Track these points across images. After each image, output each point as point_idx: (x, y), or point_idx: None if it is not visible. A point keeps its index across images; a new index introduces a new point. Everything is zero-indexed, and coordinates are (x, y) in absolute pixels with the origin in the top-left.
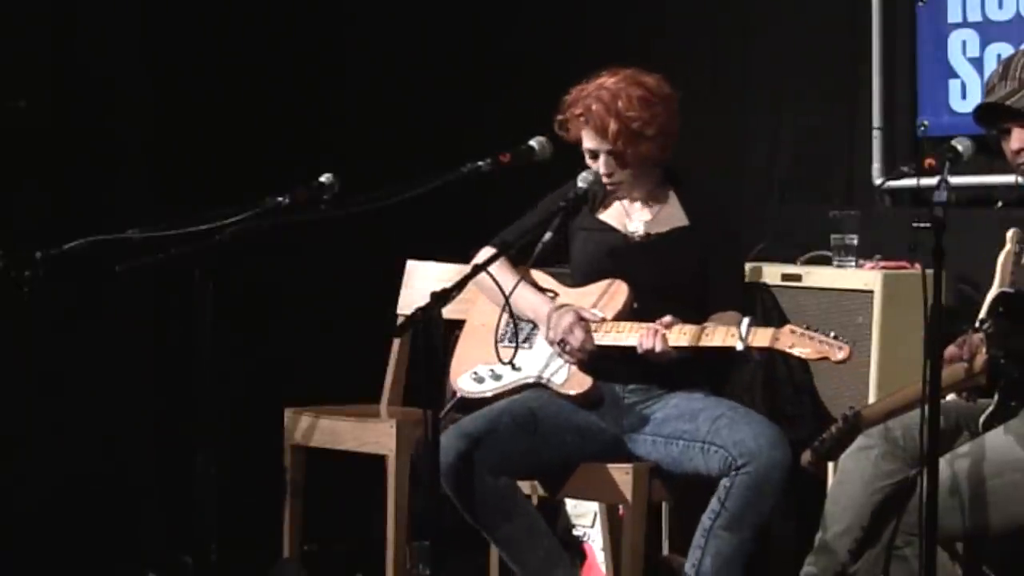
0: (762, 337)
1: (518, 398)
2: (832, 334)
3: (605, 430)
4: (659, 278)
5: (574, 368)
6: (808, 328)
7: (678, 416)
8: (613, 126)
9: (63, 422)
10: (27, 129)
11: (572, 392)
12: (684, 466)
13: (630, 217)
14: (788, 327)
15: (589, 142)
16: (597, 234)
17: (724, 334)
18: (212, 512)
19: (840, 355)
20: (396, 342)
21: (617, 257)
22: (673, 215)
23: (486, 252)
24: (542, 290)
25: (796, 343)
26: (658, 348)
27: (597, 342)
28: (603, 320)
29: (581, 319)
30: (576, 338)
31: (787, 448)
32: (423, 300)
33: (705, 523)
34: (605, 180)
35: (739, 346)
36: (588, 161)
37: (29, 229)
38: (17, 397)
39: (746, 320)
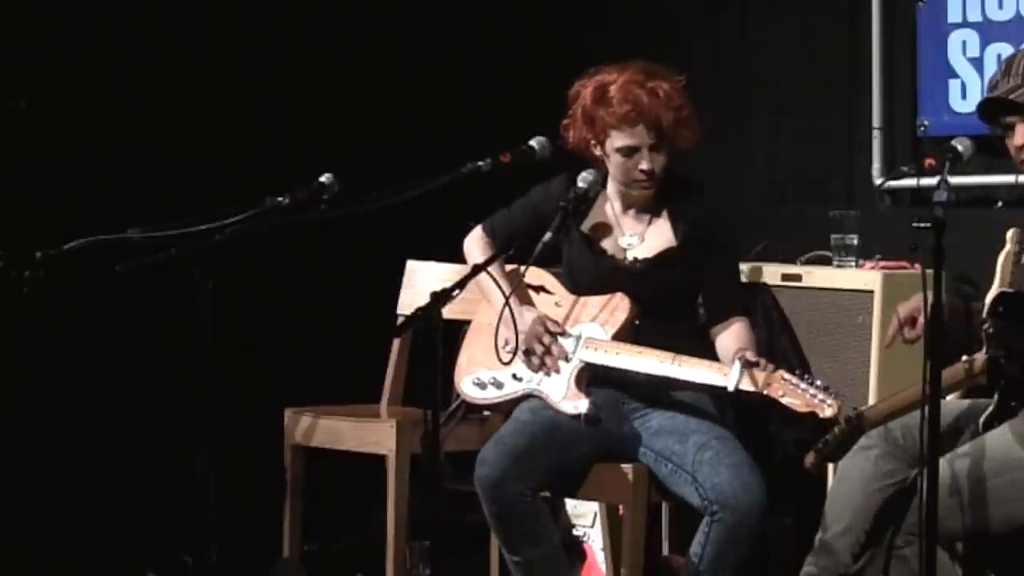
0: (754, 381)
1: (537, 404)
2: (822, 385)
3: (612, 432)
4: (650, 302)
5: (572, 386)
6: (800, 376)
7: (670, 431)
8: (668, 117)
9: (63, 422)
10: (27, 129)
11: (567, 412)
12: (672, 488)
13: (619, 236)
14: (780, 373)
15: (632, 139)
16: (587, 254)
17: (718, 371)
18: (212, 512)
19: (828, 412)
20: (396, 342)
21: (607, 281)
22: (662, 234)
23: (476, 234)
24: (545, 291)
25: (787, 393)
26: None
27: (607, 363)
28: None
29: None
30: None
31: (762, 490)
32: (423, 300)
33: (691, 566)
34: (643, 179)
35: (730, 387)
36: (620, 161)
37: (29, 229)
38: (17, 397)
39: (738, 363)
